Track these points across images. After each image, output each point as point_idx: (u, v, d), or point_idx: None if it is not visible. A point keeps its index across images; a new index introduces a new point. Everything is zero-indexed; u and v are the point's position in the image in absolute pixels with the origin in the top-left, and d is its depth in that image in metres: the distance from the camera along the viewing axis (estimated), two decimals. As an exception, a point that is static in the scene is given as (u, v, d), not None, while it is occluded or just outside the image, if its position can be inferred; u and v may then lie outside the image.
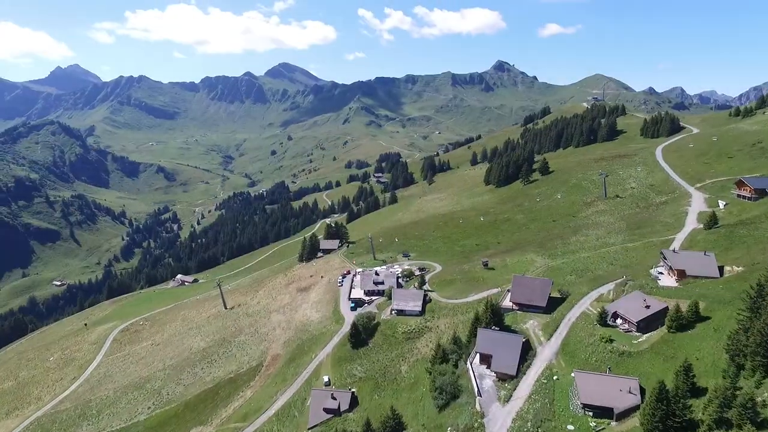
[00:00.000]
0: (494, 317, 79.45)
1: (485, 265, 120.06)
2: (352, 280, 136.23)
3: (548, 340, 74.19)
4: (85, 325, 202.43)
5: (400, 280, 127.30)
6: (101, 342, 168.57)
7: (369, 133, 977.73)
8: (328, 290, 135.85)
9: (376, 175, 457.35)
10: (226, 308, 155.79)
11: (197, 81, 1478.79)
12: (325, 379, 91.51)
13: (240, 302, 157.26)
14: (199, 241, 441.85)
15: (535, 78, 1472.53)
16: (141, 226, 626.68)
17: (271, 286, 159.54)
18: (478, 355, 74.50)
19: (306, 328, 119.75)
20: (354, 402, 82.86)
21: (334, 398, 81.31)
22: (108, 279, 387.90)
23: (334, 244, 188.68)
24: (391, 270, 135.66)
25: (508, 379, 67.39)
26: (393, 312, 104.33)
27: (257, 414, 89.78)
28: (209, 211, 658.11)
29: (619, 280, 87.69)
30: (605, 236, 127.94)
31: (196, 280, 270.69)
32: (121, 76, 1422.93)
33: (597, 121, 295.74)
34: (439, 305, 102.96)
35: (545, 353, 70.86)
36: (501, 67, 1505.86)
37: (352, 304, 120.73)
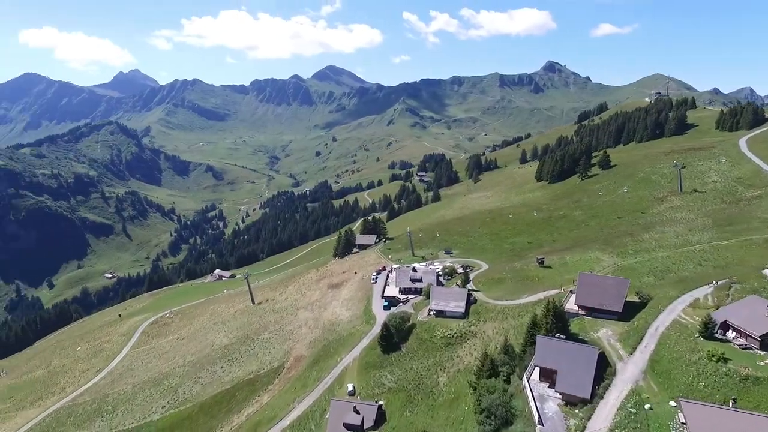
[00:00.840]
0: (557, 323, 63.48)
1: (540, 262, 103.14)
2: (387, 277, 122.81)
3: (630, 354, 57.54)
4: (120, 316, 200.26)
5: (440, 278, 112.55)
6: (131, 334, 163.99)
7: (413, 134, 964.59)
8: (361, 287, 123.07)
9: (419, 174, 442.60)
10: (253, 303, 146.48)
11: (247, 84, 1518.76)
12: (350, 387, 78.35)
13: (268, 297, 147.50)
14: (241, 237, 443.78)
15: (588, 78, 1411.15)
16: (189, 222, 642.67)
17: (302, 282, 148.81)
18: (537, 369, 58.92)
19: (334, 327, 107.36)
20: (380, 417, 69.08)
21: (357, 412, 67.79)
22: (156, 272, 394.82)
23: (370, 239, 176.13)
24: (430, 267, 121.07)
25: (579, 404, 51.60)
26: (431, 313, 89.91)
27: (270, 424, 77.95)
28: (254, 210, 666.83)
29: (720, 282, 69.29)
30: (686, 234, 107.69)
31: (233, 276, 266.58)
32: (176, 80, 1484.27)
33: (664, 115, 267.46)
34: (486, 307, 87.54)
35: (628, 372, 54.37)
36: (551, 67, 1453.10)
37: (386, 303, 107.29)
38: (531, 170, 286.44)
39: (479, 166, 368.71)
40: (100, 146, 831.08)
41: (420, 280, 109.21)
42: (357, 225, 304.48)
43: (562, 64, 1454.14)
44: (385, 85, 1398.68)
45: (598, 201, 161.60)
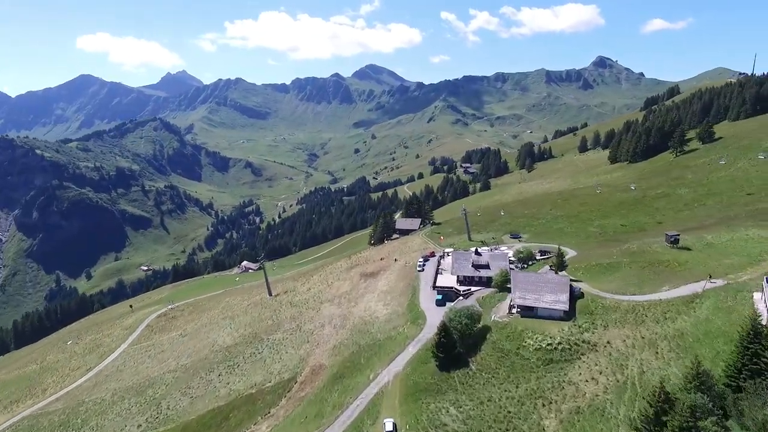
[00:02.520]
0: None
1: (673, 241, 70.07)
2: (439, 263, 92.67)
3: None
4: (131, 307, 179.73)
5: (512, 266, 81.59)
6: (134, 327, 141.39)
7: (454, 131, 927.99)
8: (403, 276, 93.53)
9: (463, 165, 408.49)
10: (270, 295, 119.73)
11: (288, 83, 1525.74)
12: (388, 425, 48.75)
13: (288, 289, 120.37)
14: (276, 231, 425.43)
15: (641, 74, 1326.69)
16: (225, 217, 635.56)
17: (329, 271, 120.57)
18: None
19: (367, 328, 78.35)
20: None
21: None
22: (189, 264, 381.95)
23: (413, 224, 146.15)
24: (498, 251, 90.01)
25: None
26: (514, 310, 59.27)
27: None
28: (291, 206, 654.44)
29: None
30: None
31: (261, 267, 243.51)
32: (220, 79, 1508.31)
33: (765, 87, 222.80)
34: (602, 304, 56.09)
35: None
36: (602, 62, 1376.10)
37: (439, 296, 77.40)
38: (598, 155, 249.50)
39: (532, 156, 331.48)
40: (144, 142, 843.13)
41: (486, 266, 78.68)
42: (397, 215, 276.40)
43: (614, 60, 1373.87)
44: (426, 83, 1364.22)
45: (709, 177, 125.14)
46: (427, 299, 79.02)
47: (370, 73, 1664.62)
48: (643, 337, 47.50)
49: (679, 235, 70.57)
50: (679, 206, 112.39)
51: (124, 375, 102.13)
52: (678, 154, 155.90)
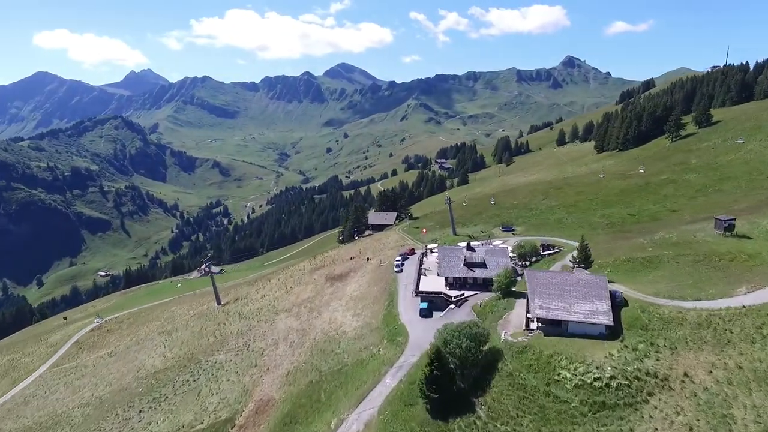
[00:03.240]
0: None
1: (727, 228, 54.70)
2: (421, 262, 75.55)
3: None
4: (65, 319, 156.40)
5: (513, 263, 65.19)
6: (61, 344, 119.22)
7: (427, 130, 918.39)
8: (378, 278, 76.01)
9: (438, 161, 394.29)
10: (219, 304, 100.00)
11: (257, 81, 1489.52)
12: None
13: (240, 296, 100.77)
14: (243, 232, 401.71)
15: (608, 74, 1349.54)
16: (192, 219, 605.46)
17: (289, 273, 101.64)
18: None
19: (331, 347, 60.39)
20: None
21: None
22: (153, 268, 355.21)
23: (389, 218, 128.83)
24: (494, 246, 73.42)
25: None
26: (533, 325, 42.49)
27: None
28: (260, 206, 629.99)
29: None
30: None
31: (222, 271, 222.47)
32: (186, 77, 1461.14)
33: (751, 74, 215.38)
34: (657, 313, 39.71)
35: None
36: (571, 63, 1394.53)
37: (424, 305, 60.14)
38: (580, 147, 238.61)
39: (509, 149, 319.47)
40: (104, 141, 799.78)
41: (483, 265, 62.07)
42: (371, 211, 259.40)
43: (582, 60, 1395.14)
44: (398, 82, 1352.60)
45: (717, 161, 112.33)
46: (408, 308, 61.62)
47: (341, 71, 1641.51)
48: (740, 367, 31.43)
49: (734, 219, 55.47)
50: (690, 192, 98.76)
51: (28, 410, 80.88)
52: (674, 139, 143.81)
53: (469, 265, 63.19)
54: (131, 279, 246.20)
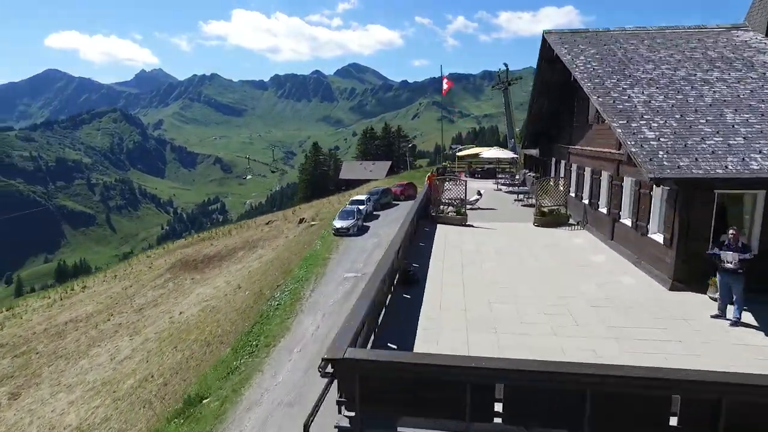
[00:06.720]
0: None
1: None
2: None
3: None
4: None
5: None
6: None
7: (439, 128, 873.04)
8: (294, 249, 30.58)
9: (453, 147, 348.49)
10: None
11: (266, 79, 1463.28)
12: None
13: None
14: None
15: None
16: (186, 215, 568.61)
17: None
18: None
19: None
20: None
21: None
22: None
23: (377, 169, 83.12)
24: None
25: None
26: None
27: None
28: (260, 203, 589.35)
29: None
30: None
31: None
32: (195, 75, 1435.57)
33: None
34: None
35: None
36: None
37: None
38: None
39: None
40: (101, 134, 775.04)
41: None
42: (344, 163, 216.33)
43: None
44: (410, 81, 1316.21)
45: None
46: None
47: (352, 71, 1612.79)
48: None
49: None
50: None
51: None
52: None
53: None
54: (65, 274, 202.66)
